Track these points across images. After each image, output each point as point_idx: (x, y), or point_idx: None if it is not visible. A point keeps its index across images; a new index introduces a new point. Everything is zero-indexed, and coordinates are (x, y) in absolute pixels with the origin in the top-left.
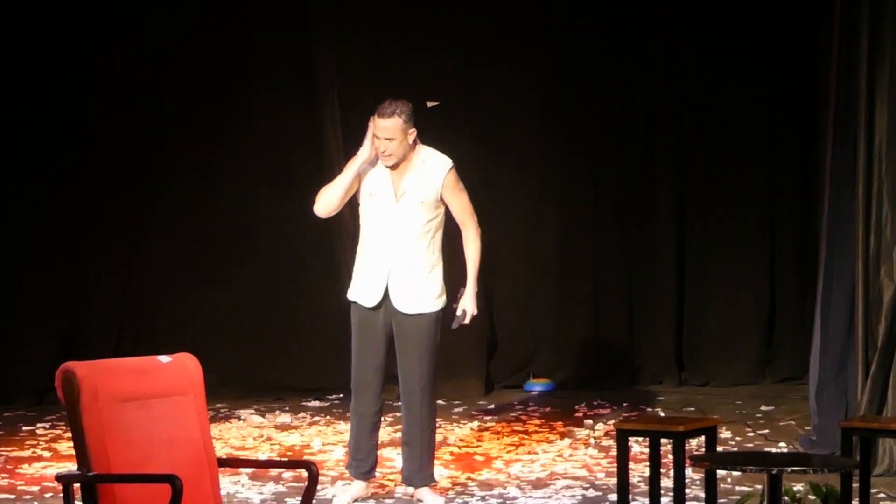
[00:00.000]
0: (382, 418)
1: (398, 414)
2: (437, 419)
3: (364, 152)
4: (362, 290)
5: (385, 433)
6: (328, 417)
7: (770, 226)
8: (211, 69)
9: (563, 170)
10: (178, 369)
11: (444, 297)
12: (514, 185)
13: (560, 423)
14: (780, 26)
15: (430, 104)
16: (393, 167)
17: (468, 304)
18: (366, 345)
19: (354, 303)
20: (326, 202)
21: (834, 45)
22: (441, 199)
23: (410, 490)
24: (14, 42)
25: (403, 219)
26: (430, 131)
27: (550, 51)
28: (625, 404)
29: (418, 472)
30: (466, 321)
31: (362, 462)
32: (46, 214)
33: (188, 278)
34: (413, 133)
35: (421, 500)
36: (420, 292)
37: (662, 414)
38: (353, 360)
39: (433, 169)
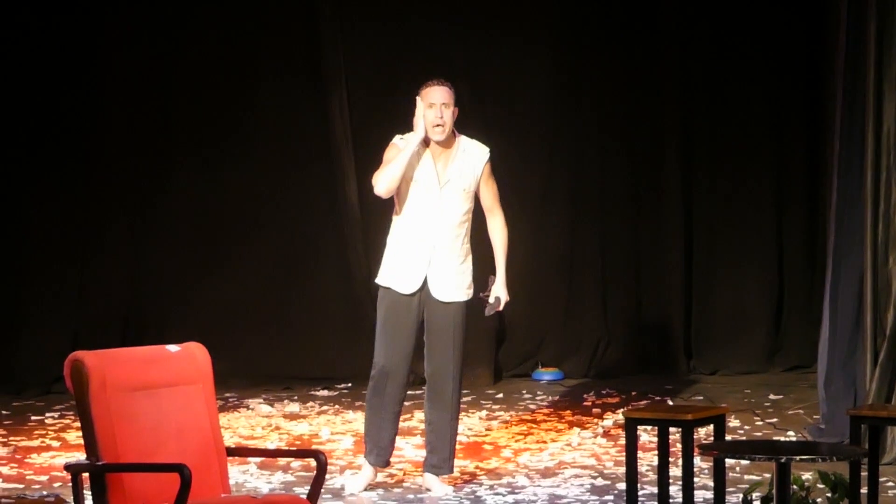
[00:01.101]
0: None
1: (407, 403)
2: None
3: (420, 131)
4: (400, 277)
5: (404, 424)
6: (337, 407)
7: (778, 215)
8: (218, 57)
9: (570, 158)
10: (187, 358)
11: (472, 288)
12: (522, 175)
13: (569, 412)
14: (790, 10)
15: None
16: (441, 144)
17: (501, 292)
18: (398, 331)
19: (389, 289)
20: (389, 181)
21: (842, 33)
22: (477, 187)
23: (419, 480)
24: (21, 31)
25: (446, 206)
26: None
27: (557, 37)
28: (633, 393)
29: (447, 461)
30: (500, 308)
31: (384, 450)
32: (53, 205)
33: (196, 267)
34: (456, 112)
35: (429, 489)
36: (456, 281)
37: (671, 402)
38: (380, 347)
39: (474, 157)
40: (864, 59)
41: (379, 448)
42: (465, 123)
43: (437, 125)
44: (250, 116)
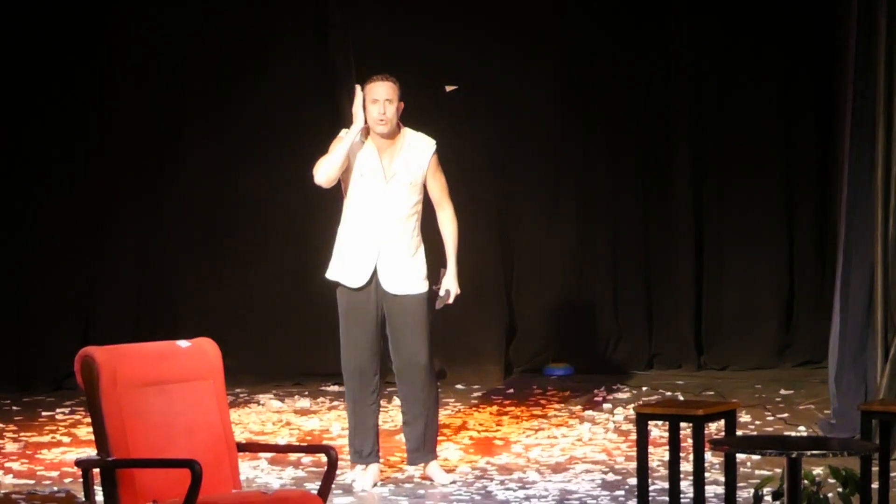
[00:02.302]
0: (385, 404)
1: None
2: (458, 403)
3: (359, 122)
4: (349, 271)
5: (391, 417)
6: None
7: (788, 210)
8: (227, 53)
9: (580, 155)
10: (198, 354)
11: (428, 280)
12: (532, 170)
13: (579, 407)
14: (800, 8)
15: (448, 88)
16: (385, 136)
17: (451, 284)
18: (360, 327)
19: (340, 285)
20: (328, 170)
21: (853, 28)
22: (425, 180)
23: (411, 470)
24: (29, 23)
25: (393, 200)
26: (447, 114)
27: (568, 32)
28: (644, 388)
29: (421, 449)
30: (451, 301)
31: (364, 446)
32: (64, 200)
33: (207, 262)
34: (401, 107)
35: (430, 479)
36: (408, 273)
37: (682, 398)
38: (344, 346)
39: (420, 150)
40: (874, 55)
41: (358, 446)
42: (475, 122)
43: (381, 120)
44: (261, 112)
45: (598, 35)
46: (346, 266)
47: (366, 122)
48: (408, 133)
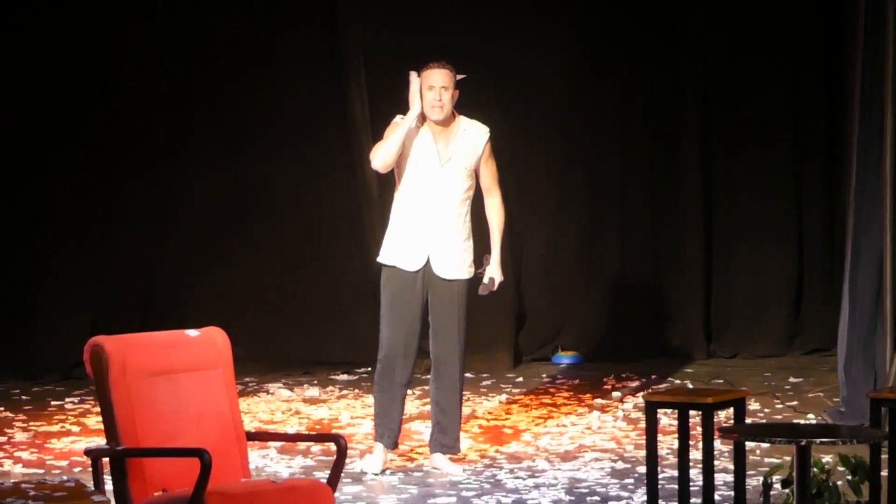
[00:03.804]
0: (410, 391)
1: (425, 387)
2: (467, 392)
3: (416, 108)
4: (403, 254)
5: (413, 406)
6: (357, 391)
7: (797, 198)
8: (236, 41)
9: (589, 143)
10: (207, 343)
11: (474, 266)
12: (542, 159)
13: (588, 395)
14: None
15: (458, 77)
16: (440, 123)
17: (495, 272)
18: (405, 310)
19: (392, 267)
20: (385, 155)
21: (861, 13)
22: (477, 167)
23: (420, 459)
24: (39, 16)
25: (447, 184)
26: (458, 104)
27: (576, 16)
28: (653, 376)
29: (457, 440)
30: (495, 288)
31: (394, 431)
32: (72, 190)
33: (215, 251)
34: (457, 94)
35: (438, 468)
36: (459, 258)
37: (691, 386)
38: (385, 327)
39: (475, 136)
40: (883, 40)
41: (390, 430)
42: (484, 110)
43: (436, 106)
44: (269, 100)
45: (606, 18)
46: (402, 249)
47: (421, 108)
48: (462, 120)
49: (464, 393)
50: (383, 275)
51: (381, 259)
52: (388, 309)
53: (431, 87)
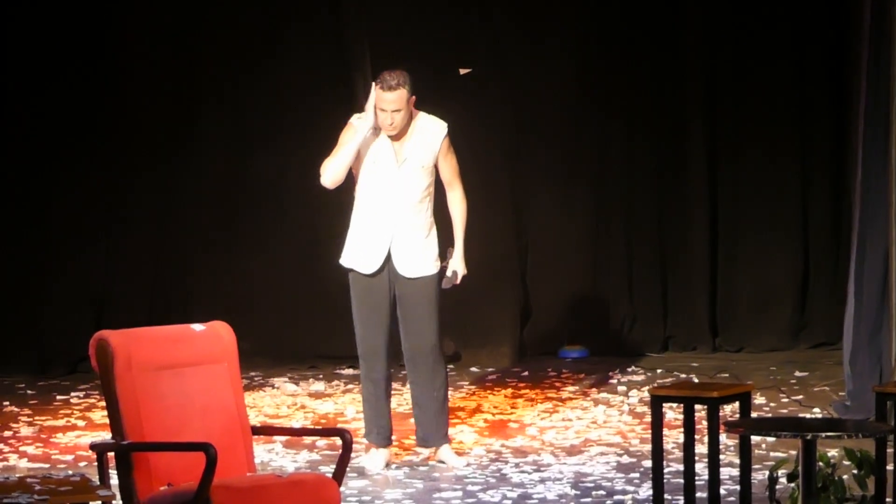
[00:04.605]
0: (399, 387)
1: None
2: (472, 386)
3: (369, 121)
4: (362, 257)
5: (401, 400)
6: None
7: (803, 191)
8: (242, 35)
9: (595, 137)
10: (212, 338)
11: (440, 260)
12: (547, 153)
13: (594, 389)
14: None
15: (462, 72)
16: (395, 137)
17: (458, 265)
18: (373, 311)
19: (352, 270)
20: (333, 173)
21: (867, 8)
22: (436, 162)
23: (426, 453)
24: (45, 5)
25: (405, 184)
26: (461, 98)
27: (583, 13)
28: (659, 370)
29: (434, 432)
30: (458, 281)
31: (384, 428)
32: (78, 184)
33: (221, 246)
34: (413, 100)
35: (443, 461)
36: (421, 255)
37: (696, 380)
38: (358, 329)
39: (431, 134)
40: (888, 36)
41: (379, 426)
42: (489, 104)
43: (389, 126)
44: (274, 95)
45: (611, 17)
46: (359, 252)
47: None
48: (420, 117)
49: (469, 387)
50: (349, 277)
51: (341, 261)
52: (357, 310)
53: (383, 109)
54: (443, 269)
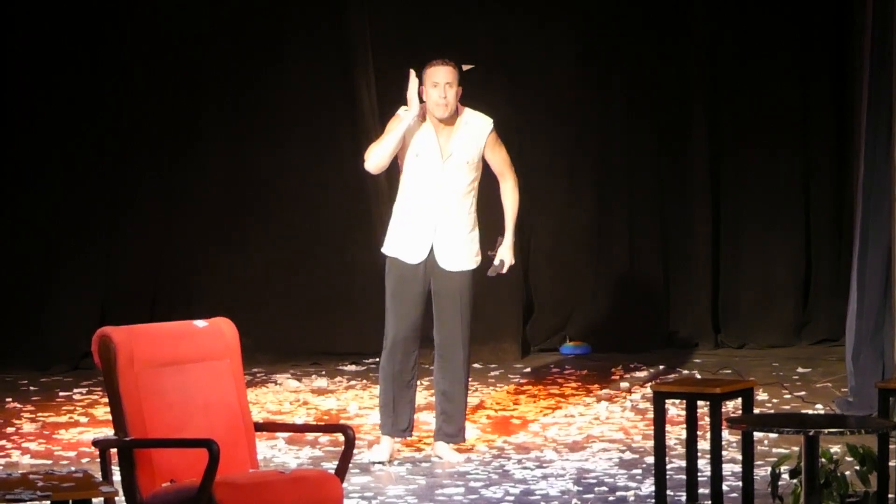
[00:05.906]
0: (418, 381)
1: (432, 378)
2: (474, 382)
3: (414, 108)
4: (405, 247)
5: (420, 396)
6: (365, 381)
7: (805, 187)
8: (244, 33)
9: (598, 132)
10: (215, 334)
11: (480, 256)
12: (550, 150)
13: (597, 385)
14: None
15: (465, 67)
16: (443, 121)
17: (506, 254)
18: (406, 301)
19: (394, 258)
20: (378, 158)
21: (868, 9)
22: (482, 157)
23: (428, 449)
24: (48, 4)
25: (450, 180)
26: (465, 94)
27: (586, 12)
28: (661, 367)
29: (462, 430)
30: (504, 270)
31: (399, 420)
32: (80, 180)
33: (224, 242)
34: (460, 91)
35: (440, 457)
36: (462, 250)
37: (699, 376)
38: (389, 317)
39: (477, 129)
40: (890, 33)
41: (393, 418)
42: (492, 100)
43: (441, 104)
44: (277, 93)
45: (615, 11)
46: (404, 241)
47: (422, 105)
48: (466, 112)
49: (471, 383)
50: (387, 265)
51: (384, 250)
52: (391, 300)
53: (436, 83)
54: (491, 257)
